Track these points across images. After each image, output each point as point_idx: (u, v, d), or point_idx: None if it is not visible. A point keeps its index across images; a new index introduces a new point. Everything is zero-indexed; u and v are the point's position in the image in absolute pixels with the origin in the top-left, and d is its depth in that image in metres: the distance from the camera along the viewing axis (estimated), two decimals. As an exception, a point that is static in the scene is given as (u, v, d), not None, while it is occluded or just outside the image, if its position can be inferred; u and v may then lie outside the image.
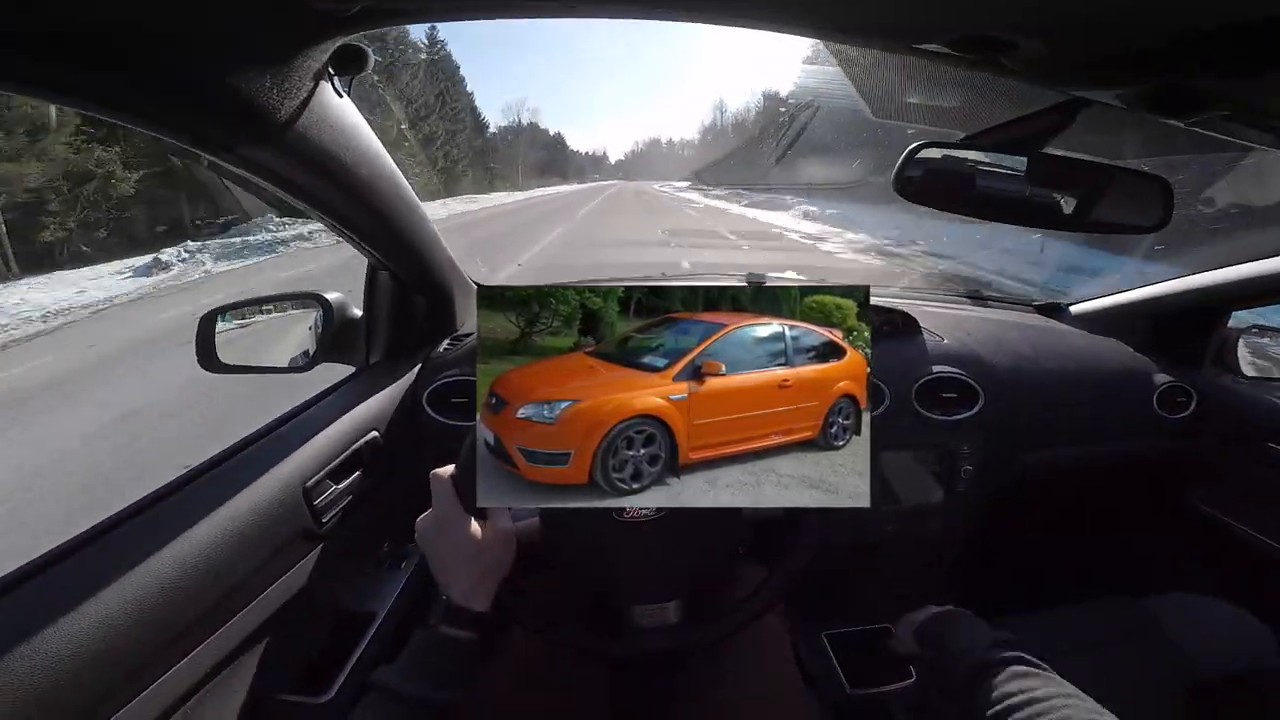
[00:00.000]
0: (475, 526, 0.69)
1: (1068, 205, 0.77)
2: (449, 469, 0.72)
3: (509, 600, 0.71)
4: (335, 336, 1.15)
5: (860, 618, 1.23)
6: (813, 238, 15.78)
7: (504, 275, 9.11)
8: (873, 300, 1.31)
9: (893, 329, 1.28)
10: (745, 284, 1.62)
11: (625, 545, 0.75)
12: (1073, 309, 1.63)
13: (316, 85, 0.63)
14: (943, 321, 1.35)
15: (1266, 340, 1.44)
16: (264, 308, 1.22)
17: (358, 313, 1.19)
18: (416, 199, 0.99)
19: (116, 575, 0.61)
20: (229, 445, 0.86)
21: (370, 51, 0.63)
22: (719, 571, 0.88)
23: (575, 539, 0.76)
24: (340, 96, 0.70)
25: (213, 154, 0.65)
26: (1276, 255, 1.24)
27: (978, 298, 1.66)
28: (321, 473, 0.90)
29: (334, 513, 0.92)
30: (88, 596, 0.58)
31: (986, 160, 0.76)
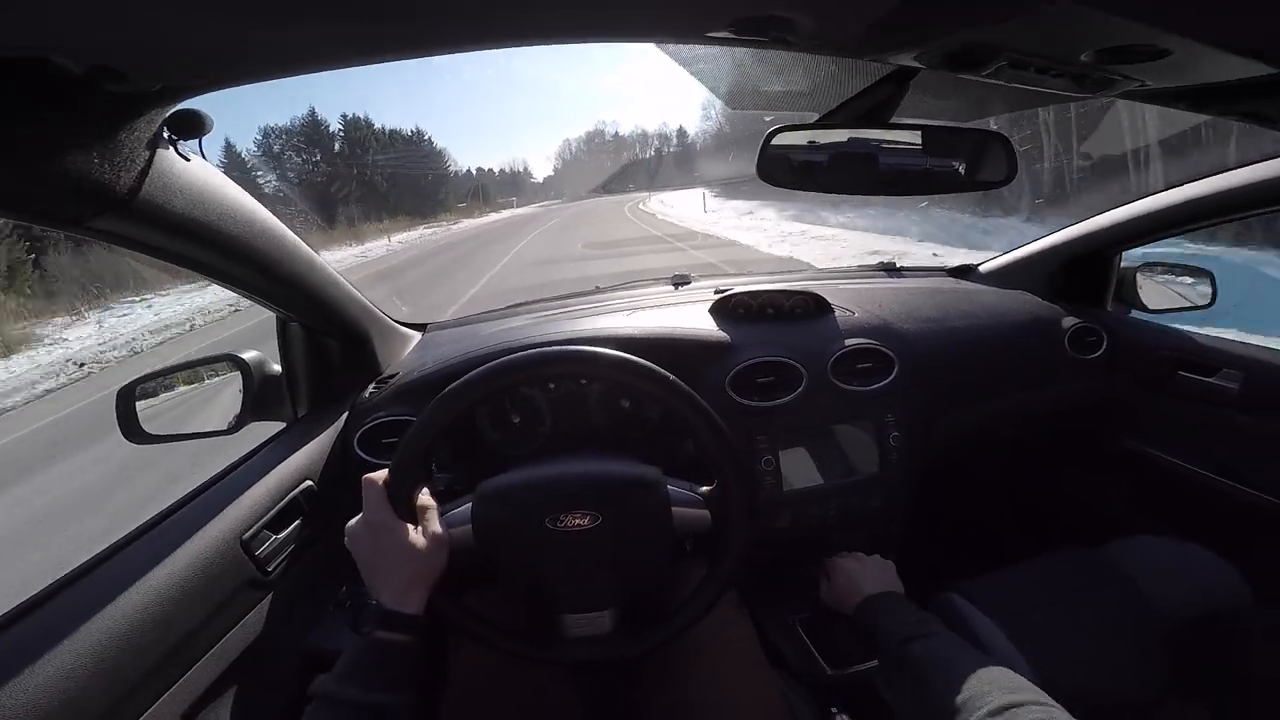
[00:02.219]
0: (408, 530, 0.69)
1: (922, 171, 0.80)
2: (382, 473, 0.72)
3: (442, 604, 0.71)
4: (258, 395, 1.15)
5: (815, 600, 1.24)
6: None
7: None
8: (782, 285, 1.35)
9: (804, 310, 1.31)
10: (672, 285, 1.64)
11: (557, 555, 0.75)
12: (981, 268, 1.69)
13: (154, 154, 0.64)
14: (854, 297, 1.38)
15: (1161, 273, 1.51)
16: (187, 376, 1.21)
17: (278, 369, 1.19)
18: (306, 247, 0.99)
19: (64, 637, 0.65)
20: (164, 507, 0.89)
21: (207, 115, 0.63)
22: (655, 581, 0.88)
23: (507, 547, 0.75)
24: (188, 160, 0.70)
25: (63, 229, 0.65)
26: (1152, 195, 1.31)
27: (891, 270, 1.71)
28: (258, 524, 0.92)
29: (279, 561, 0.94)
30: (42, 656, 0.63)
31: (841, 137, 0.80)
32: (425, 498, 0.73)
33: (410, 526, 0.70)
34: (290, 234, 0.94)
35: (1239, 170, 1.13)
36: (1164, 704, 0.93)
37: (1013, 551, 1.18)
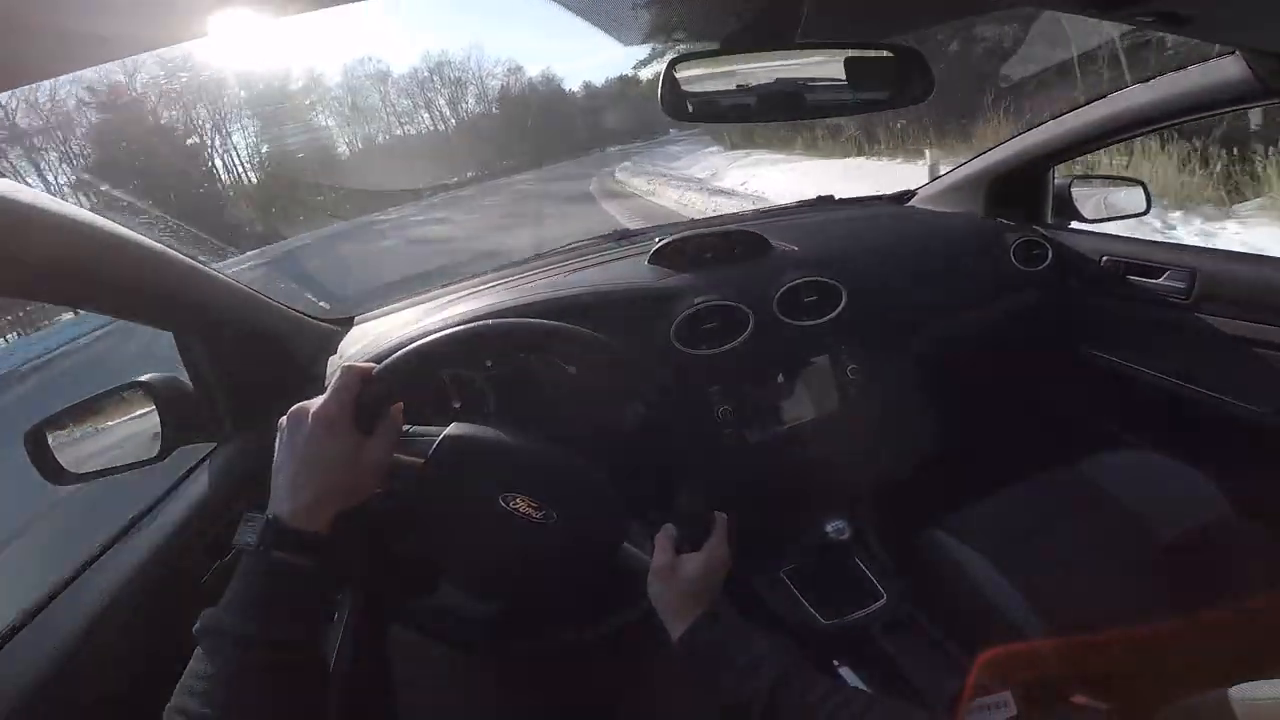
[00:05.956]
0: (354, 439, 0.59)
1: (835, 91, 0.76)
2: (367, 365, 0.62)
3: (345, 528, 0.61)
4: (178, 417, 1.04)
5: (798, 552, 1.19)
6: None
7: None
8: (719, 227, 1.30)
9: (744, 250, 1.27)
10: (615, 241, 1.58)
11: (489, 531, 0.67)
12: (920, 191, 1.68)
13: None
14: (795, 233, 1.35)
15: (1094, 186, 1.51)
16: (100, 408, 1.12)
17: (192, 386, 1.08)
18: (175, 253, 0.88)
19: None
20: (108, 535, 0.85)
21: None
22: (562, 596, 0.82)
23: (447, 501, 0.67)
24: None
25: None
26: (1075, 110, 1.29)
27: (830, 202, 1.68)
28: (201, 547, 0.86)
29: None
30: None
31: (745, 63, 0.75)
32: (397, 413, 0.64)
33: (360, 437, 0.60)
34: (149, 241, 0.83)
35: (1157, 80, 1.10)
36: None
37: (990, 478, 1.14)
